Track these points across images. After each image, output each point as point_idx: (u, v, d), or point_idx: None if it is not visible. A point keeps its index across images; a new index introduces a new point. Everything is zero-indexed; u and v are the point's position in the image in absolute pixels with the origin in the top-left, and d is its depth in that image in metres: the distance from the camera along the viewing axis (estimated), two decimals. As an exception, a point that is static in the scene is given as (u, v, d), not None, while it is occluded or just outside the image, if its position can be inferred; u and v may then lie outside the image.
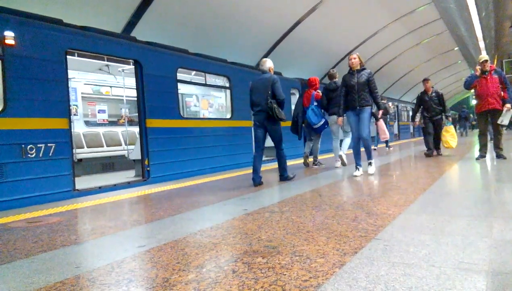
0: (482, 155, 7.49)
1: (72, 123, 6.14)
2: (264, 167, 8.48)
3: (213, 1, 10.83)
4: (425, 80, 9.13)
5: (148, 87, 6.96)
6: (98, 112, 10.22)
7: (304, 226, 3.02)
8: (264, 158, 11.07)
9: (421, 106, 9.23)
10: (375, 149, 12.73)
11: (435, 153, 9.20)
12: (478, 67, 7.39)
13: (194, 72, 9.29)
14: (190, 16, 10.85)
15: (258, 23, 12.85)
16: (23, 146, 5.11)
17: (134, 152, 7.81)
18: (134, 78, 7.01)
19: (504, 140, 8.30)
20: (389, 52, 21.34)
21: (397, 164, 8.16)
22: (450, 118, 9.21)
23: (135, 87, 7.03)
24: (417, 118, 9.65)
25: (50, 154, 5.40)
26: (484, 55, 7.69)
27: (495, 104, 7.18)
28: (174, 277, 2.09)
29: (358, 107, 6.03)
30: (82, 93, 9.43)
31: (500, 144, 7.46)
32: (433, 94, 8.97)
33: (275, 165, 8.71)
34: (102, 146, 9.37)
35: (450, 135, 8.86)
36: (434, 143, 9.15)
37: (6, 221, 3.84)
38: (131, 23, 9.90)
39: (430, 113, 8.96)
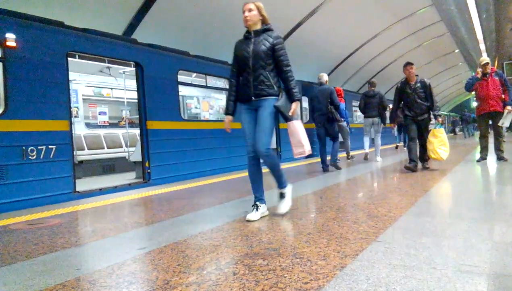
0: (483, 157, 7.48)
1: (73, 125, 6.14)
2: (264, 169, 8.47)
3: (213, 3, 10.86)
4: (408, 65, 6.62)
5: (149, 89, 6.97)
6: (99, 114, 10.23)
7: (304, 228, 3.02)
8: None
9: (402, 102, 6.86)
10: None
11: (420, 165, 6.86)
12: (479, 70, 7.39)
13: (194, 74, 9.30)
14: (191, 18, 10.87)
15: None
16: (24, 147, 5.12)
17: (135, 154, 7.81)
18: (135, 80, 7.02)
19: (506, 142, 8.27)
20: (389, 54, 21.38)
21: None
22: (440, 119, 6.68)
23: (135, 89, 7.04)
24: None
25: (51, 156, 5.41)
26: (485, 58, 7.70)
27: (496, 107, 7.18)
28: (174, 279, 2.08)
29: (253, 98, 3.46)
30: (83, 95, 9.44)
31: (501, 146, 7.45)
32: (418, 84, 6.55)
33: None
34: (103, 148, 9.38)
35: (439, 142, 6.45)
36: (420, 153, 6.89)
37: (7, 222, 3.84)
38: (132, 26, 9.93)
39: (414, 111, 6.57)
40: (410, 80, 6.63)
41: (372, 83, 9.33)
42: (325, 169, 7.38)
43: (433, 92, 6.57)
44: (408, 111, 6.65)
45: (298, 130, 3.61)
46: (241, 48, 3.60)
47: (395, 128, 10.27)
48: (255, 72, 3.46)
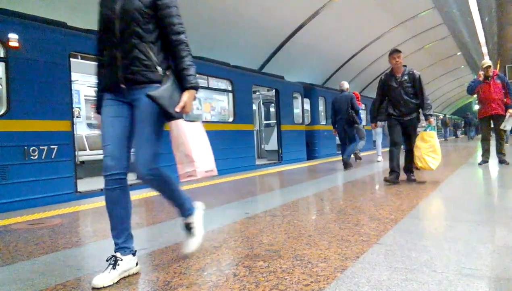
0: (485, 161, 7.47)
1: (74, 125, 6.15)
2: (265, 171, 8.47)
3: (216, 5, 10.88)
4: (394, 53, 5.42)
5: (151, 90, 6.97)
6: (101, 115, 10.22)
7: (305, 230, 3.02)
8: (265, 162, 11.11)
9: (386, 98, 5.65)
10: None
11: (405, 177, 5.61)
12: (481, 73, 7.39)
13: (196, 75, 9.29)
14: (193, 19, 10.88)
15: (261, 27, 12.89)
16: (25, 147, 5.13)
17: (136, 155, 7.80)
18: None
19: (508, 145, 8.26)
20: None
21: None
22: (433, 120, 5.51)
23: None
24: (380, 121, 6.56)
25: (53, 156, 5.42)
26: (487, 61, 7.70)
27: (498, 110, 7.18)
28: (175, 280, 2.08)
29: (123, 86, 2.22)
30: (85, 95, 9.45)
31: (503, 149, 7.44)
32: (405, 77, 5.40)
33: (275, 169, 8.72)
34: (104, 148, 9.37)
35: (428, 148, 5.29)
36: (405, 162, 5.63)
37: (8, 222, 3.85)
38: (134, 26, 9.92)
39: (399, 109, 5.42)
40: (396, 72, 5.46)
41: None
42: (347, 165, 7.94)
43: (424, 87, 5.42)
44: (393, 110, 5.48)
45: (186, 136, 2.36)
46: (105, 4, 2.30)
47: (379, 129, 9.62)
48: (124, 43, 2.17)
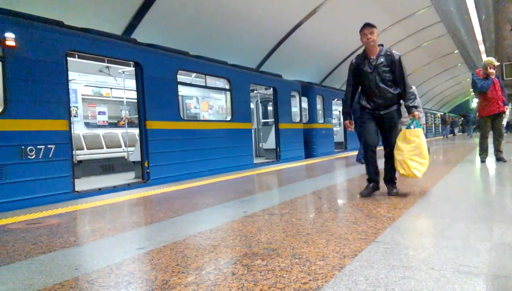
0: (483, 160, 7.49)
1: (72, 125, 6.14)
2: (263, 170, 8.48)
3: (213, 3, 10.86)
4: (365, 29, 4.22)
5: (148, 89, 6.97)
6: (98, 114, 10.22)
7: (303, 229, 3.02)
8: (263, 161, 11.11)
9: (359, 87, 4.50)
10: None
11: (385, 189, 4.46)
12: (492, 71, 7.35)
13: (194, 74, 9.30)
14: (191, 18, 10.88)
15: (259, 25, 12.88)
16: (23, 147, 5.11)
17: (134, 154, 7.80)
18: (135, 80, 7.01)
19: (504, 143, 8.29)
20: (389, 55, 21.42)
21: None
22: (417, 114, 4.29)
23: (135, 89, 7.03)
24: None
25: (50, 156, 5.40)
26: (493, 59, 7.68)
27: (502, 108, 7.28)
28: (173, 279, 2.08)
29: None
30: (82, 95, 9.42)
31: (500, 147, 7.48)
32: (381, 59, 4.24)
33: (273, 167, 8.73)
34: (102, 148, 9.36)
35: (413, 150, 4.17)
36: (385, 170, 4.44)
37: (6, 222, 3.84)
38: (132, 25, 9.93)
39: (373, 101, 4.31)
40: (369, 53, 4.28)
41: None
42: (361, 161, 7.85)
43: (406, 72, 4.25)
44: (366, 102, 4.36)
45: None
46: None
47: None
48: None
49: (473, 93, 7.77)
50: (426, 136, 27.96)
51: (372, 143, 4.35)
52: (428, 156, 4.30)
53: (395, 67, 4.23)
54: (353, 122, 4.69)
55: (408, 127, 4.26)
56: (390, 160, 4.36)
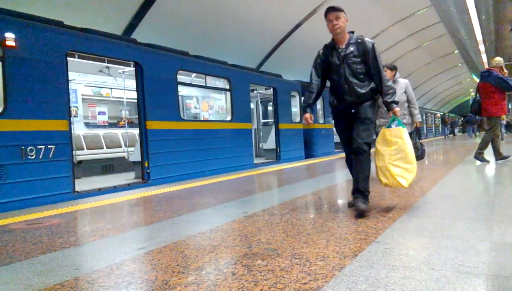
0: (506, 156, 7.47)
1: (72, 125, 6.14)
2: (263, 170, 8.48)
3: (213, 3, 10.86)
4: (330, 13, 3.55)
5: (148, 89, 6.97)
6: (98, 114, 10.22)
7: (304, 229, 3.02)
8: (263, 161, 11.11)
9: (325, 81, 3.85)
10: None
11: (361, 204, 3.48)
12: (506, 71, 7.34)
13: (194, 74, 9.30)
14: (191, 18, 10.88)
15: (259, 25, 12.88)
16: (23, 147, 5.11)
17: (134, 154, 7.80)
18: (135, 80, 7.01)
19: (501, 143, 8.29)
20: (389, 56, 21.41)
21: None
22: (397, 110, 3.55)
23: (135, 89, 7.03)
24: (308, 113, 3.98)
25: (50, 156, 5.40)
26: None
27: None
28: (173, 279, 2.08)
29: None
30: (82, 95, 9.42)
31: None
32: (351, 48, 3.55)
33: (273, 167, 8.74)
34: (102, 148, 9.36)
35: (395, 154, 3.50)
36: (353, 178, 3.68)
37: (6, 222, 3.84)
38: (132, 25, 9.93)
39: (343, 98, 3.61)
40: (337, 42, 3.60)
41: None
42: None
43: (381, 63, 3.56)
44: (336, 100, 3.68)
45: None
46: None
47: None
48: None
49: (473, 93, 7.74)
50: (426, 136, 28.27)
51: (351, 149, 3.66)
52: (415, 161, 3.51)
53: (368, 57, 3.51)
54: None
55: (389, 126, 3.56)
56: (356, 163, 3.53)
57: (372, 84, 3.57)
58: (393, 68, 5.69)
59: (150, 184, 6.83)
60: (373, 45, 3.53)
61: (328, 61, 3.65)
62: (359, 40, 3.55)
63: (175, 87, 7.67)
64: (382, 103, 3.64)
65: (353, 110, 3.58)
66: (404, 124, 3.68)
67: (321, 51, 3.77)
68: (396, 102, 3.56)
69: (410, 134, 5.41)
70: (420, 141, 5.75)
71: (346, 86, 3.54)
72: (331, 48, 3.66)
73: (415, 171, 3.49)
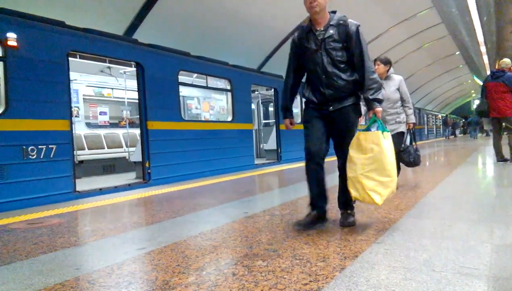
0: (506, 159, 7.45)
1: (73, 125, 6.15)
2: (264, 170, 8.48)
3: (214, 4, 10.87)
4: None
5: (150, 90, 6.98)
6: (100, 114, 10.24)
7: (304, 229, 3.02)
8: (264, 161, 11.11)
9: (301, 73, 3.27)
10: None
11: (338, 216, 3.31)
12: None
13: (195, 74, 9.30)
14: (192, 19, 10.88)
15: (260, 26, 12.88)
16: (24, 147, 5.12)
17: (135, 154, 7.81)
18: (136, 81, 7.02)
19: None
20: (390, 56, 21.35)
21: None
22: (379, 110, 2.92)
23: (136, 90, 7.04)
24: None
25: (51, 156, 5.41)
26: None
27: None
28: (174, 279, 2.08)
29: None
30: (83, 95, 9.45)
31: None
32: (330, 31, 2.94)
33: (274, 168, 8.74)
34: (103, 148, 9.38)
35: (370, 164, 2.83)
36: (339, 190, 3.33)
37: (7, 222, 3.84)
38: (133, 26, 9.93)
39: (320, 93, 3.01)
40: (315, 24, 3.03)
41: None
42: None
43: (366, 50, 2.93)
44: (311, 93, 3.10)
45: None
46: None
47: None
48: None
49: (475, 94, 7.71)
50: (427, 137, 28.23)
51: (315, 153, 3.09)
52: (395, 174, 2.88)
53: (351, 42, 2.91)
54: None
55: (368, 129, 2.96)
56: (345, 177, 3.05)
57: (356, 76, 2.97)
58: (387, 62, 5.06)
59: (151, 184, 6.83)
60: (357, 28, 2.92)
61: (304, 47, 3.03)
62: (341, 22, 2.94)
63: (176, 88, 7.68)
64: (363, 99, 2.99)
65: (331, 108, 2.98)
66: (387, 128, 3.02)
67: (296, 35, 3.13)
68: (380, 101, 2.93)
69: (403, 137, 4.92)
70: (415, 145, 5.04)
71: (323, 76, 2.95)
72: (307, 31, 3.04)
73: (394, 186, 2.87)
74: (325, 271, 2.10)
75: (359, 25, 2.94)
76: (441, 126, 36.85)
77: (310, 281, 1.96)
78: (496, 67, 9.49)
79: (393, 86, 4.94)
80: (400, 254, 2.32)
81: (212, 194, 5.31)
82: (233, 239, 2.84)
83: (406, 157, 4.96)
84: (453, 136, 32.51)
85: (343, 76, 2.94)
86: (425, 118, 31.25)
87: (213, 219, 3.62)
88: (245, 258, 2.38)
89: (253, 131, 10.74)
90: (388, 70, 5.03)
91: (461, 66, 31.34)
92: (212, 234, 3.04)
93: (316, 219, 3.03)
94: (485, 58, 26.99)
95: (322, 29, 2.97)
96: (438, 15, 18.18)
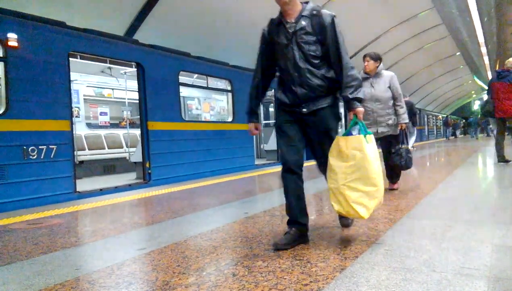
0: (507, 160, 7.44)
1: (74, 125, 6.15)
2: (264, 171, 8.48)
3: (215, 5, 10.88)
4: None
5: (150, 90, 6.98)
6: (100, 115, 10.25)
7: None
8: (265, 162, 11.11)
9: (271, 72, 2.94)
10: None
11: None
12: None
13: (196, 75, 9.31)
14: (192, 19, 10.89)
15: (261, 26, 12.86)
16: (24, 147, 5.12)
17: (136, 154, 7.82)
18: (136, 81, 7.03)
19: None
20: (390, 57, 21.41)
21: None
22: (360, 110, 2.58)
23: (137, 90, 7.05)
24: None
25: (52, 156, 5.41)
26: None
27: None
28: (174, 280, 2.08)
29: None
30: (84, 95, 9.45)
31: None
32: (303, 23, 2.60)
33: (274, 168, 8.72)
34: (104, 148, 9.38)
35: (352, 172, 2.48)
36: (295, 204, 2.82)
37: (7, 222, 3.85)
38: (134, 26, 9.95)
39: (292, 92, 2.66)
40: (285, 15, 2.71)
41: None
42: None
43: (343, 45, 2.66)
44: (283, 94, 2.75)
45: None
46: None
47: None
48: None
49: (475, 95, 7.70)
50: (428, 138, 28.27)
51: (292, 162, 2.79)
52: (381, 183, 2.55)
53: (325, 35, 2.61)
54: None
55: (348, 133, 2.63)
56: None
57: (332, 73, 2.66)
58: (377, 58, 4.61)
59: (151, 185, 6.83)
60: (332, 18, 2.61)
61: (274, 42, 2.75)
62: (314, 12, 2.63)
63: (176, 88, 7.68)
64: (341, 97, 2.67)
65: (304, 110, 2.65)
66: (370, 131, 2.68)
67: (265, 29, 2.87)
68: (360, 100, 2.63)
69: (395, 139, 4.62)
70: (407, 147, 4.69)
71: (295, 74, 2.63)
72: (277, 23, 2.75)
73: (381, 196, 2.57)
74: (325, 271, 2.10)
75: (334, 16, 2.64)
76: (442, 127, 36.87)
77: (310, 282, 1.96)
78: (488, 68, 9.35)
79: (383, 83, 4.55)
80: (400, 255, 2.32)
81: (213, 194, 5.31)
82: (233, 240, 2.84)
83: (397, 159, 4.57)
84: (453, 137, 32.51)
85: (318, 73, 2.62)
86: (426, 119, 31.25)
87: (214, 220, 3.62)
88: (246, 259, 2.38)
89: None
90: (377, 67, 4.61)
91: (461, 67, 31.34)
92: (212, 234, 3.04)
93: (297, 238, 2.62)
94: (486, 59, 27.01)
95: (293, 21, 2.65)
96: (439, 16, 18.19)
